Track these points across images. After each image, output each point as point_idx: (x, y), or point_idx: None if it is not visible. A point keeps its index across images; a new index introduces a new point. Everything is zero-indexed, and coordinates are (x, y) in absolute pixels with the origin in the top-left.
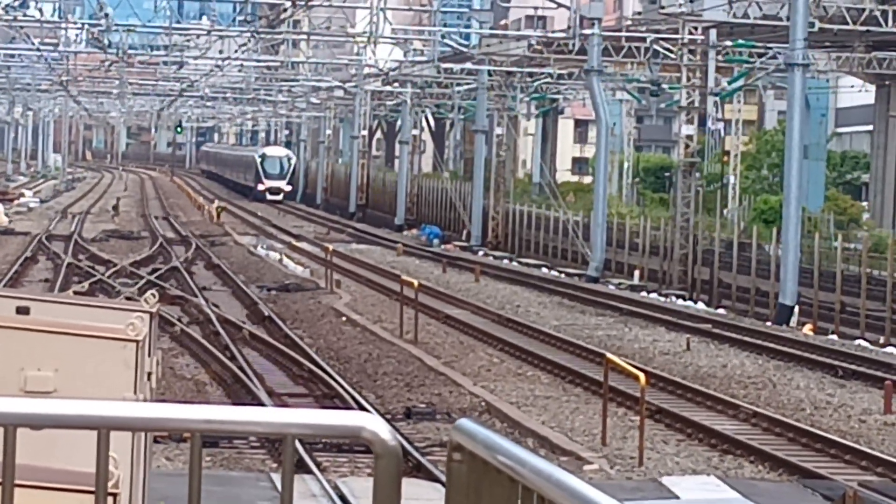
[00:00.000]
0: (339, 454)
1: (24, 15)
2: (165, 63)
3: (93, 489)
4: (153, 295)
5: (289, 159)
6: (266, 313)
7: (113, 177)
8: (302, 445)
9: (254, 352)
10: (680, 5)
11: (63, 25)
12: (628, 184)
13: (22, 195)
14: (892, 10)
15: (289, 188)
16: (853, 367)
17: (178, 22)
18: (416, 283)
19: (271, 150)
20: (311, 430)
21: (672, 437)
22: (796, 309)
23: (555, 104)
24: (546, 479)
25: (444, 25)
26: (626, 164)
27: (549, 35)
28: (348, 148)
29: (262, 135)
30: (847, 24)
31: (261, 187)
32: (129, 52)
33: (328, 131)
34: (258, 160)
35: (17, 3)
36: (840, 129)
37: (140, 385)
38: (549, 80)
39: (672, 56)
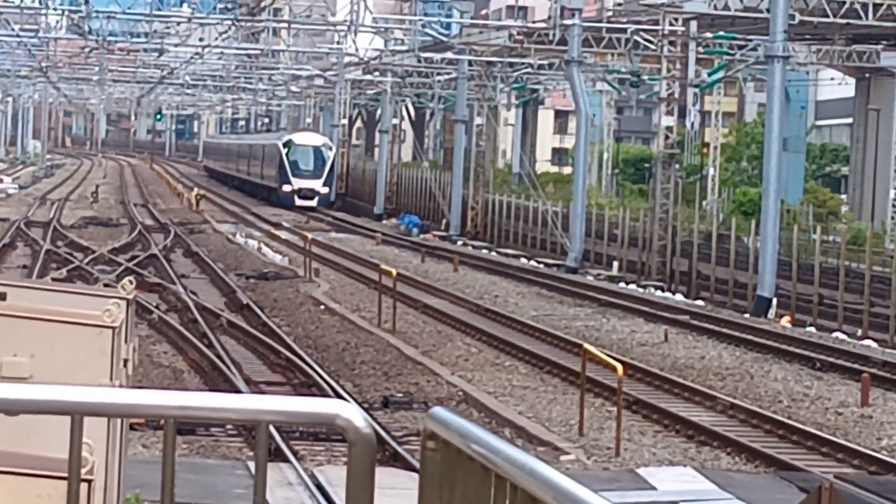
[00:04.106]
0: (315, 443)
1: (4, 1)
2: (146, 50)
3: (67, 475)
4: (130, 282)
5: (327, 149)
6: (244, 301)
7: (92, 164)
8: (278, 434)
9: (232, 340)
10: None
11: (43, 11)
12: (608, 175)
13: (0, 181)
14: (872, 4)
15: (325, 190)
16: (830, 359)
17: (159, 9)
18: (394, 272)
19: (301, 137)
20: (286, 418)
21: (649, 429)
22: (774, 301)
23: (535, 94)
24: (519, 467)
25: (425, 15)
26: (605, 155)
27: (530, 25)
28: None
29: (242, 123)
30: (827, 16)
31: (287, 188)
32: (110, 38)
33: (308, 120)
34: (283, 150)
35: None
36: (820, 122)
37: (116, 372)
38: (529, 70)
39: (652, 47)
